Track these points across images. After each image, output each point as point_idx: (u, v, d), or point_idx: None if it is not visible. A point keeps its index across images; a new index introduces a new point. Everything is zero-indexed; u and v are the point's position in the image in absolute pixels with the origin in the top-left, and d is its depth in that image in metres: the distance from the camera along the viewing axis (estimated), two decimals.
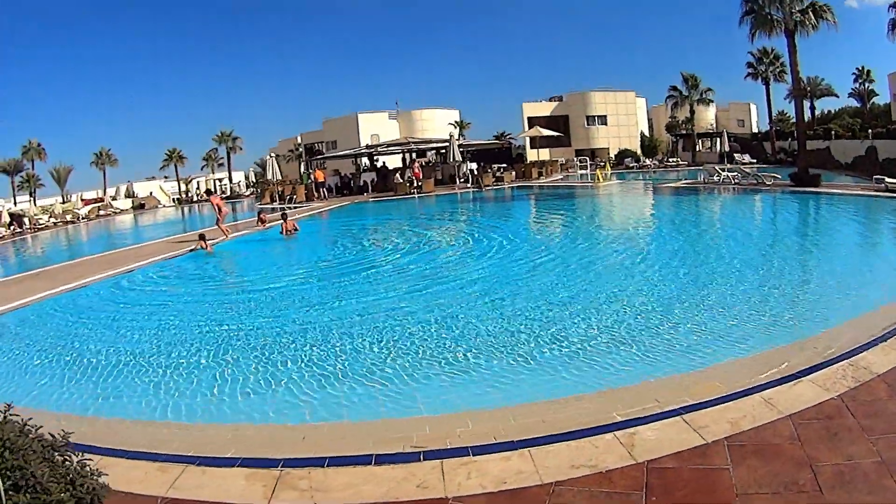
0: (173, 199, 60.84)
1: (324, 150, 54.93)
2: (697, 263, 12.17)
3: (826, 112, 60.88)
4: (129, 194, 65.21)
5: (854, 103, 57.30)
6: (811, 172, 26.60)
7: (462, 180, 37.23)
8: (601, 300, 9.32)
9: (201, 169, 67.37)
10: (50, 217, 41.90)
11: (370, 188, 39.24)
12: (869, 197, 21.80)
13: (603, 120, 53.60)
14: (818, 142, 42.09)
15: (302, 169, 51.62)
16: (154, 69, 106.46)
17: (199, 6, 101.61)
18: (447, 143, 36.20)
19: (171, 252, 17.42)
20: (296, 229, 20.60)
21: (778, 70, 47.86)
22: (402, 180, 35.35)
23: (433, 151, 46.23)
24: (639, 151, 53.23)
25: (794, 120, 56.86)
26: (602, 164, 47.25)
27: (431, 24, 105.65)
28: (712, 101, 51.29)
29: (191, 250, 17.43)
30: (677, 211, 23.85)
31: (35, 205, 47.96)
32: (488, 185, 35.27)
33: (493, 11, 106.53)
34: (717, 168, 32.68)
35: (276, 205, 36.36)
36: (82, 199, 52.04)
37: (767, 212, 22.53)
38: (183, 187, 66.83)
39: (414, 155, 45.64)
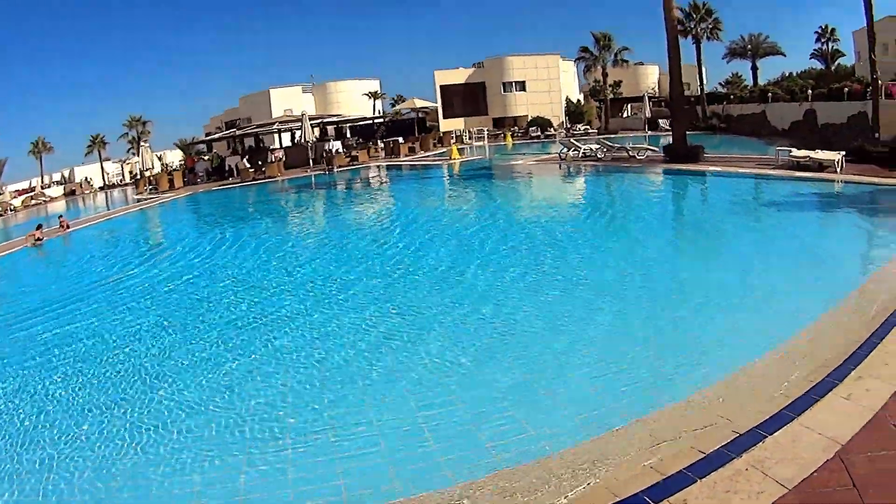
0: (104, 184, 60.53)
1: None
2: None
3: (788, 74, 57.25)
4: (66, 180, 65.31)
5: (817, 64, 53.67)
6: (692, 145, 23.44)
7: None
8: None
9: (127, 152, 66.39)
10: None
11: (236, 172, 36.90)
12: (756, 178, 18.22)
13: (521, 86, 49.81)
14: (754, 105, 39.36)
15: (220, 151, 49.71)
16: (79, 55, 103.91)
17: None
18: (299, 120, 33.34)
19: None
20: (39, 240, 18.55)
21: (710, 27, 43.84)
22: (247, 165, 32.77)
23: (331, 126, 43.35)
24: (562, 118, 49.61)
25: (746, 82, 53.40)
26: (502, 133, 44.28)
27: None
28: (627, 62, 47.11)
29: None
30: (458, 202, 20.95)
31: None
32: (342, 166, 32.63)
33: None
34: (572, 141, 29.65)
35: (145, 195, 34.22)
36: (16, 190, 52.13)
37: (575, 199, 19.36)
38: (117, 169, 66.21)
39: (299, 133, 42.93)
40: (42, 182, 63.60)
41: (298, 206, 22.90)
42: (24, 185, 61.27)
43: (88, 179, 60.81)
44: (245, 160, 33.60)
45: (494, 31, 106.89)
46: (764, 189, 17.32)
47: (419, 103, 42.14)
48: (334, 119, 38.45)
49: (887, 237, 10.81)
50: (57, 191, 57.82)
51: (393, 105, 59.66)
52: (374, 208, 19.93)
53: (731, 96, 44.77)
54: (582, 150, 27.51)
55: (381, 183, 27.93)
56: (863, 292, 7.39)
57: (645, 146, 26.33)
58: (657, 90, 56.28)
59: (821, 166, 17.90)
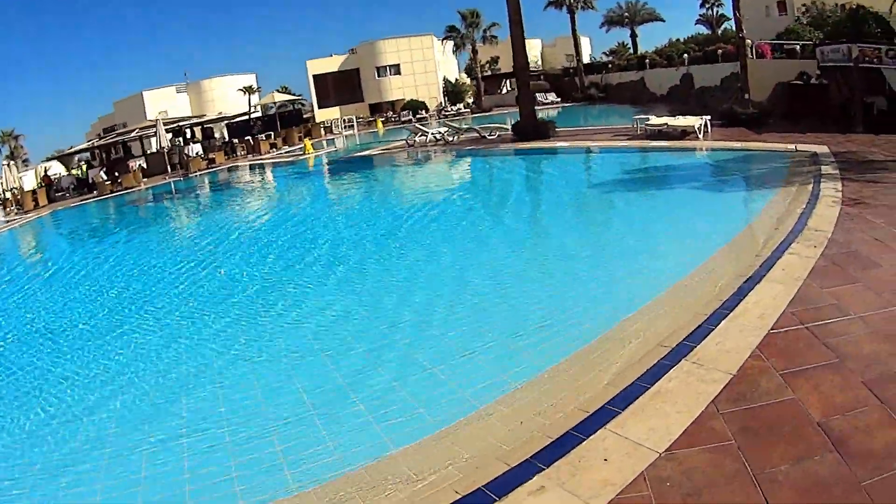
0: None
1: None
2: None
3: (675, 40, 58.91)
4: None
5: (704, 30, 55.90)
6: (542, 120, 23.78)
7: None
8: None
9: (7, 165, 63.42)
10: None
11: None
12: (604, 151, 17.86)
13: (396, 70, 50.45)
14: (632, 73, 40.33)
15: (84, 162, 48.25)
16: None
17: None
18: (154, 127, 33.01)
19: None
20: None
21: None
22: (103, 177, 32.39)
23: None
24: (440, 99, 50.66)
25: (630, 51, 55.30)
26: (374, 120, 44.95)
27: None
28: (496, 38, 48.25)
29: None
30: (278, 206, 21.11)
31: None
32: (200, 170, 32.64)
33: None
34: (418, 126, 30.62)
35: (12, 216, 33.06)
36: None
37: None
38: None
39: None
40: None
41: (117, 226, 21.82)
42: None
43: None
44: (102, 171, 33.12)
45: (370, 13, 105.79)
46: (606, 163, 16.98)
47: (279, 97, 42.16)
48: (195, 121, 38.17)
49: (714, 228, 9.38)
50: None
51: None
52: (193, 221, 20.13)
53: (611, 65, 45.82)
54: (430, 135, 27.96)
55: (221, 189, 27.46)
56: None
57: (495, 126, 26.69)
58: (540, 64, 57.75)
59: (684, 133, 17.56)
